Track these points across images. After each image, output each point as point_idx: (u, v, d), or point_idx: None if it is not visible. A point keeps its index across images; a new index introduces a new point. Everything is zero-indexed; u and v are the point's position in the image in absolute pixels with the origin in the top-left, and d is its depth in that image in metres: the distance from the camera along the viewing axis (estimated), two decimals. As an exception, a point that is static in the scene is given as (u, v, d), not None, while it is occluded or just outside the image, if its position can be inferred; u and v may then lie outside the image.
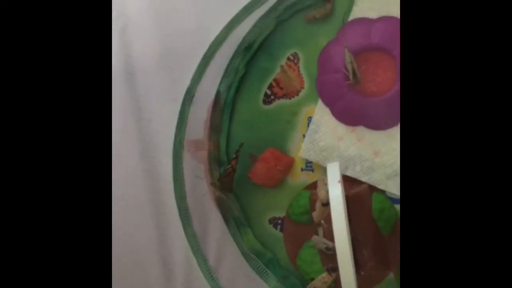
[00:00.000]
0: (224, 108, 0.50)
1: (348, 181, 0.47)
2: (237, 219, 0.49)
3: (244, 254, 0.49)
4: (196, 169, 0.48)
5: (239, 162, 0.49)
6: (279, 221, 0.49)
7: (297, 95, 0.49)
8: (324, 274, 0.43)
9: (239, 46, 0.49)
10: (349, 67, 0.46)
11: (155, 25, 0.51)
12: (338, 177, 0.41)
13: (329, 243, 0.43)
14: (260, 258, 0.49)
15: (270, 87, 0.50)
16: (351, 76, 0.46)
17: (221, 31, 0.47)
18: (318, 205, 0.43)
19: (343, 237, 0.37)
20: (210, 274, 0.46)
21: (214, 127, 0.50)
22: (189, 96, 0.47)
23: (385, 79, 0.47)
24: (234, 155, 0.48)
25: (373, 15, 0.48)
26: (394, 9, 0.47)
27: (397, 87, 0.46)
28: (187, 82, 0.47)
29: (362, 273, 0.44)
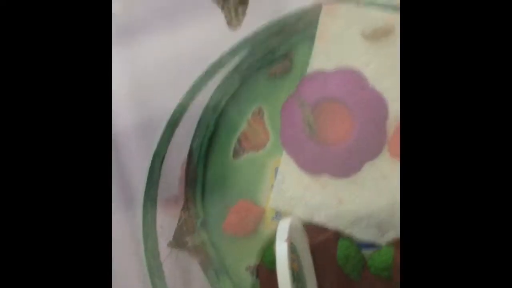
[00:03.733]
0: (197, 164, 0.53)
1: (314, 230, 0.49)
2: (216, 269, 0.52)
3: (224, 302, 0.52)
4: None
5: (214, 215, 0.52)
6: (255, 269, 0.52)
7: (264, 147, 0.52)
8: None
9: (207, 106, 0.53)
10: (305, 120, 0.49)
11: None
12: (285, 235, 0.43)
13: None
14: (240, 305, 0.52)
15: (239, 141, 0.53)
16: (307, 129, 0.49)
17: (184, 97, 0.50)
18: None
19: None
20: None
21: (189, 183, 0.53)
22: (157, 159, 0.51)
23: (343, 129, 0.49)
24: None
25: (330, 67, 0.50)
26: (349, 61, 0.49)
27: (355, 135, 0.48)
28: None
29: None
